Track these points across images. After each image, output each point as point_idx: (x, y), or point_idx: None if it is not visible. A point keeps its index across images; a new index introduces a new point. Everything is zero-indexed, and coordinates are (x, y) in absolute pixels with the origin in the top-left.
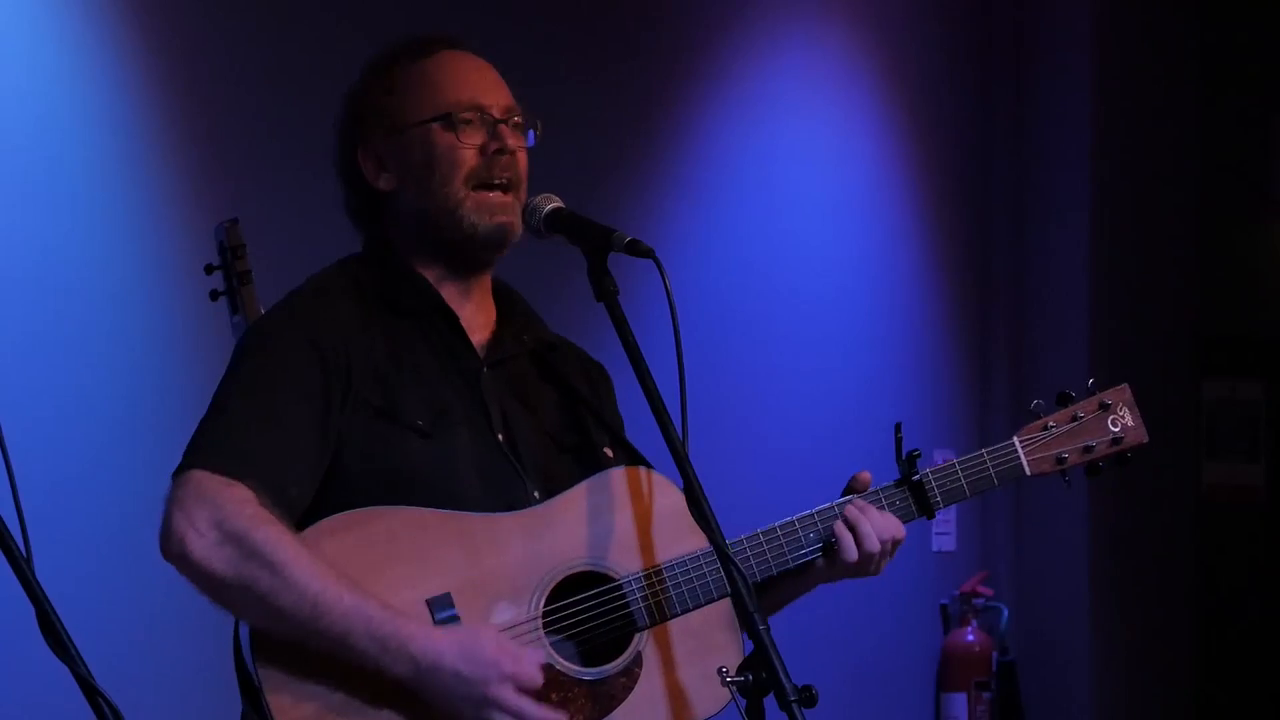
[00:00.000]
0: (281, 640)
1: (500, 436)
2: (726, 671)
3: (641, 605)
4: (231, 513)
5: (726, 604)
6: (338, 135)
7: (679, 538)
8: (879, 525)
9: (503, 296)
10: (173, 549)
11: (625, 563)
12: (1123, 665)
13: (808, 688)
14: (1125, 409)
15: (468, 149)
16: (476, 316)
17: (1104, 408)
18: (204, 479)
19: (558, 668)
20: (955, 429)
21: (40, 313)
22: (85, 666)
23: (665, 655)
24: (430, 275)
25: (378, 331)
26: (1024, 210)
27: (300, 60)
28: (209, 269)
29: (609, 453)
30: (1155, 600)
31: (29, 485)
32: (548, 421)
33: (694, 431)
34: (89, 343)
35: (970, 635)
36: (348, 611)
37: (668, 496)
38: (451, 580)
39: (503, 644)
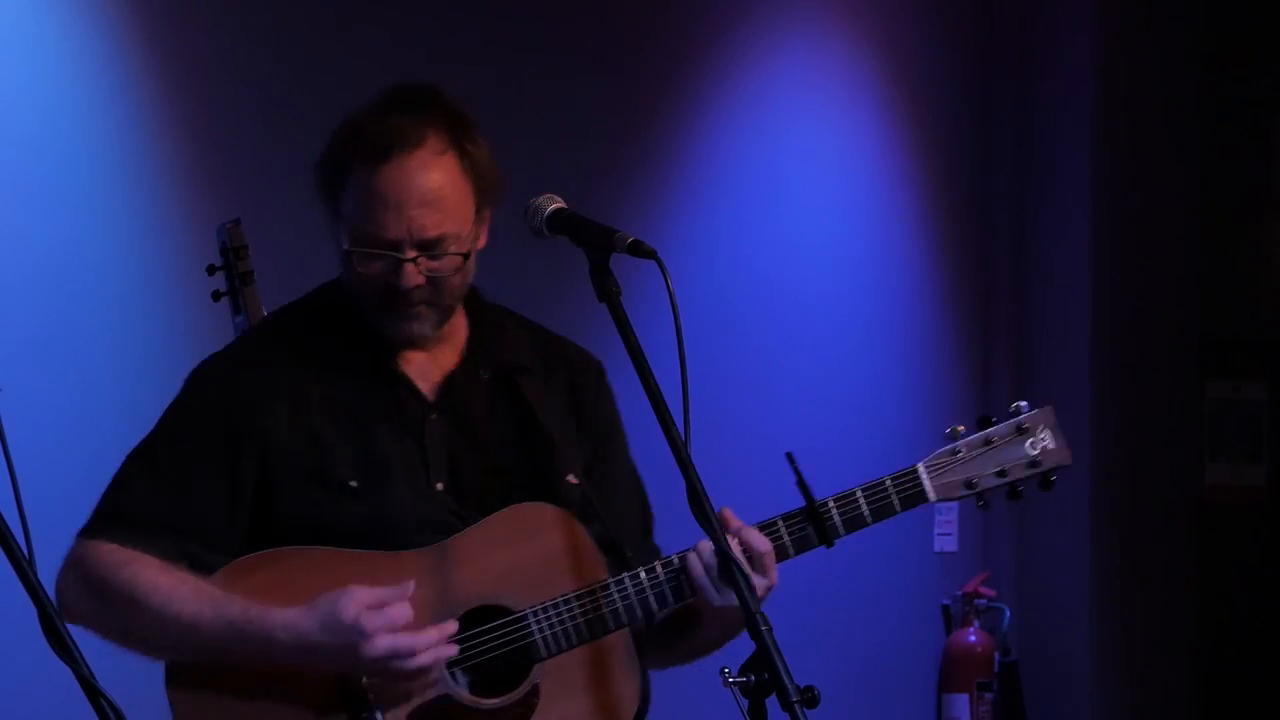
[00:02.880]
0: (189, 666)
1: (440, 485)
2: (730, 672)
3: (540, 637)
4: (94, 566)
5: (625, 635)
6: (315, 161)
7: (581, 572)
8: (707, 557)
9: (476, 319)
10: (61, 609)
11: (528, 596)
12: (1124, 666)
13: (810, 688)
14: (1047, 431)
15: (368, 277)
16: (433, 359)
17: (1021, 431)
18: (77, 544)
19: (456, 698)
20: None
21: (43, 313)
22: (87, 667)
23: (563, 686)
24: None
25: (314, 387)
26: (1026, 212)
27: (303, 60)
28: (211, 270)
29: (572, 480)
30: (1157, 601)
31: (31, 486)
32: (503, 459)
33: (696, 432)
34: (91, 344)
35: (972, 636)
36: (213, 621)
37: (569, 531)
38: None
39: (357, 598)
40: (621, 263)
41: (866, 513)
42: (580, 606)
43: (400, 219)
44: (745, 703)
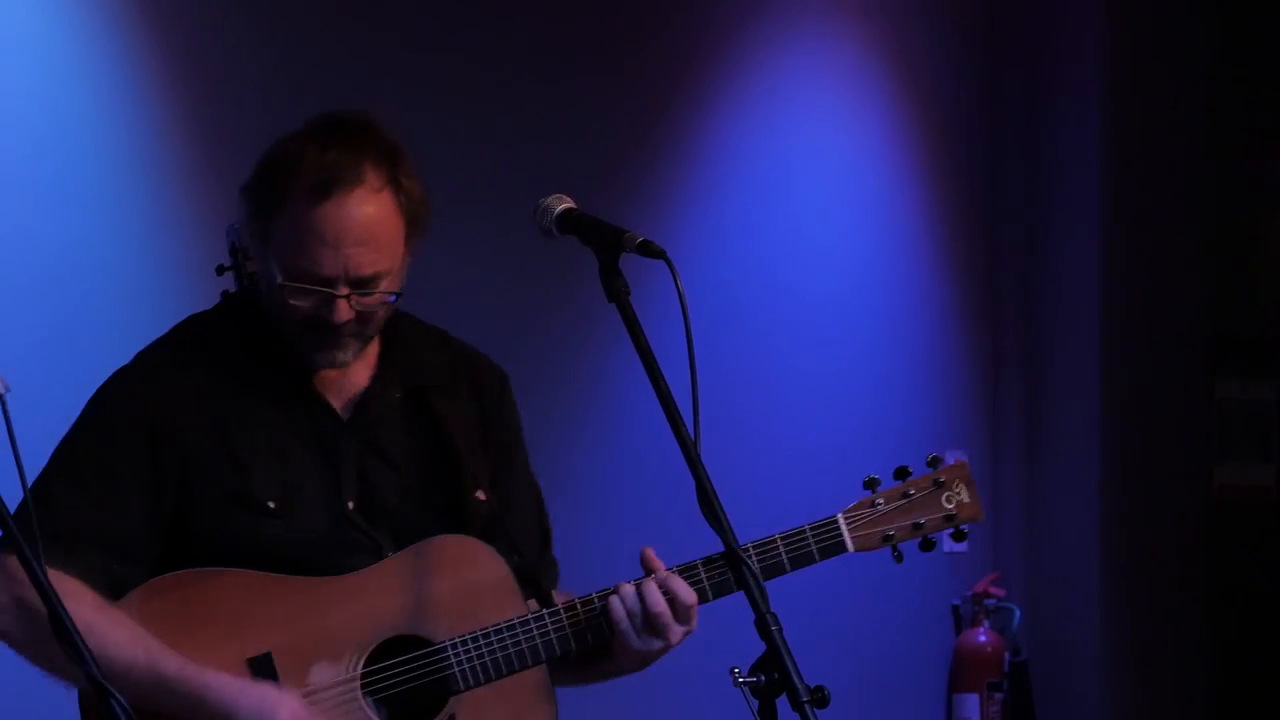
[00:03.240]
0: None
1: (351, 504)
2: (740, 672)
3: (458, 669)
4: (25, 590)
5: (541, 670)
6: (245, 184)
7: (498, 606)
8: (652, 603)
9: (388, 335)
10: None
11: (446, 627)
12: (1135, 666)
13: (820, 688)
14: (962, 485)
15: (296, 308)
16: (346, 376)
17: (938, 485)
18: (5, 559)
19: None
20: (967, 430)
21: (51, 314)
22: (97, 667)
23: (479, 718)
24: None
25: (230, 404)
26: (1035, 212)
27: (311, 60)
28: (220, 270)
29: (481, 496)
30: (1167, 601)
31: None
32: (413, 478)
33: (705, 432)
34: (99, 344)
35: (982, 636)
36: (145, 672)
37: (491, 565)
38: (272, 640)
39: (298, 714)
40: (631, 263)
41: (785, 561)
42: (500, 641)
43: (337, 257)
44: (755, 703)
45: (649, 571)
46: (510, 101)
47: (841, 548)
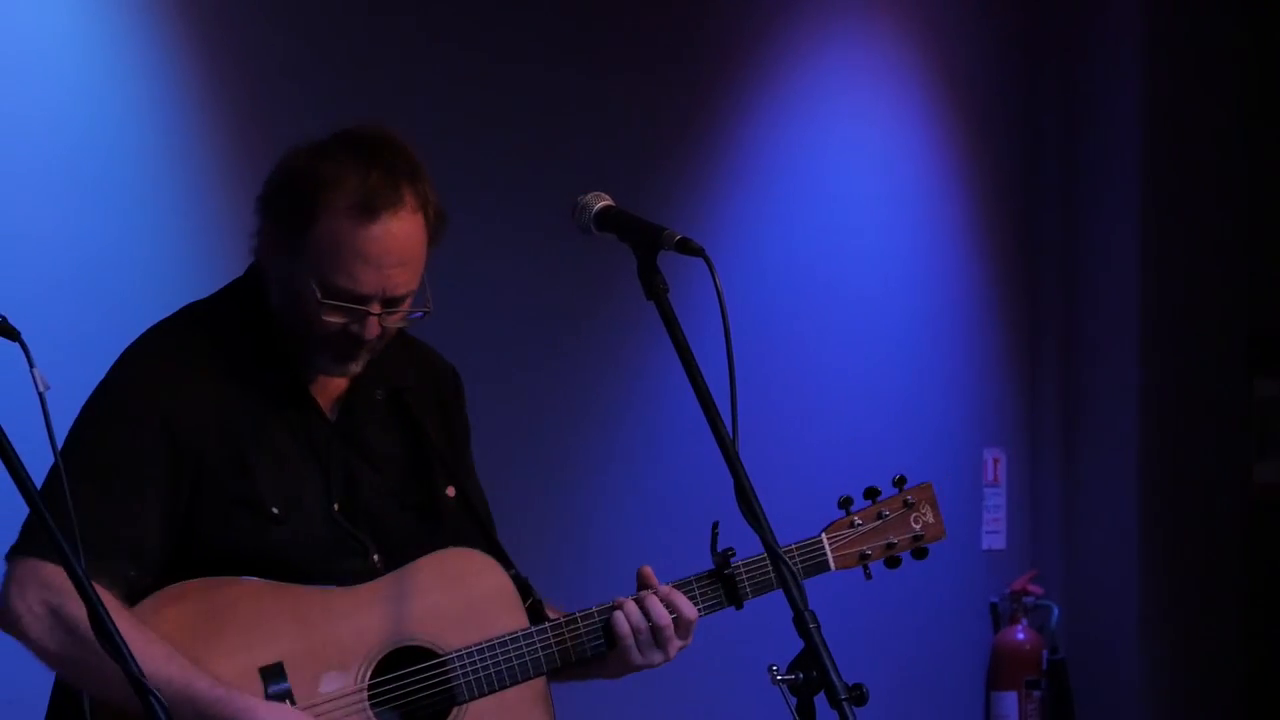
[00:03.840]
0: (118, 712)
1: (336, 506)
2: (778, 669)
3: (463, 680)
4: (67, 599)
5: (541, 682)
6: (266, 183)
7: (501, 618)
8: (657, 616)
9: None
10: (8, 626)
11: (451, 639)
12: (1173, 663)
13: (858, 686)
14: (927, 507)
15: (328, 323)
16: (332, 379)
17: (908, 505)
18: (39, 566)
19: None
20: (1005, 428)
21: (90, 312)
22: (136, 665)
23: None
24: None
25: (236, 405)
26: (1073, 209)
27: (349, 59)
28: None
29: (450, 493)
30: (1205, 598)
31: None
32: (393, 479)
33: (744, 430)
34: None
35: (1020, 634)
36: (179, 692)
37: (494, 577)
38: (283, 649)
39: None
40: (669, 260)
41: (774, 578)
42: (504, 652)
43: (379, 277)
44: (794, 700)
45: (645, 588)
46: (549, 100)
47: (825, 566)
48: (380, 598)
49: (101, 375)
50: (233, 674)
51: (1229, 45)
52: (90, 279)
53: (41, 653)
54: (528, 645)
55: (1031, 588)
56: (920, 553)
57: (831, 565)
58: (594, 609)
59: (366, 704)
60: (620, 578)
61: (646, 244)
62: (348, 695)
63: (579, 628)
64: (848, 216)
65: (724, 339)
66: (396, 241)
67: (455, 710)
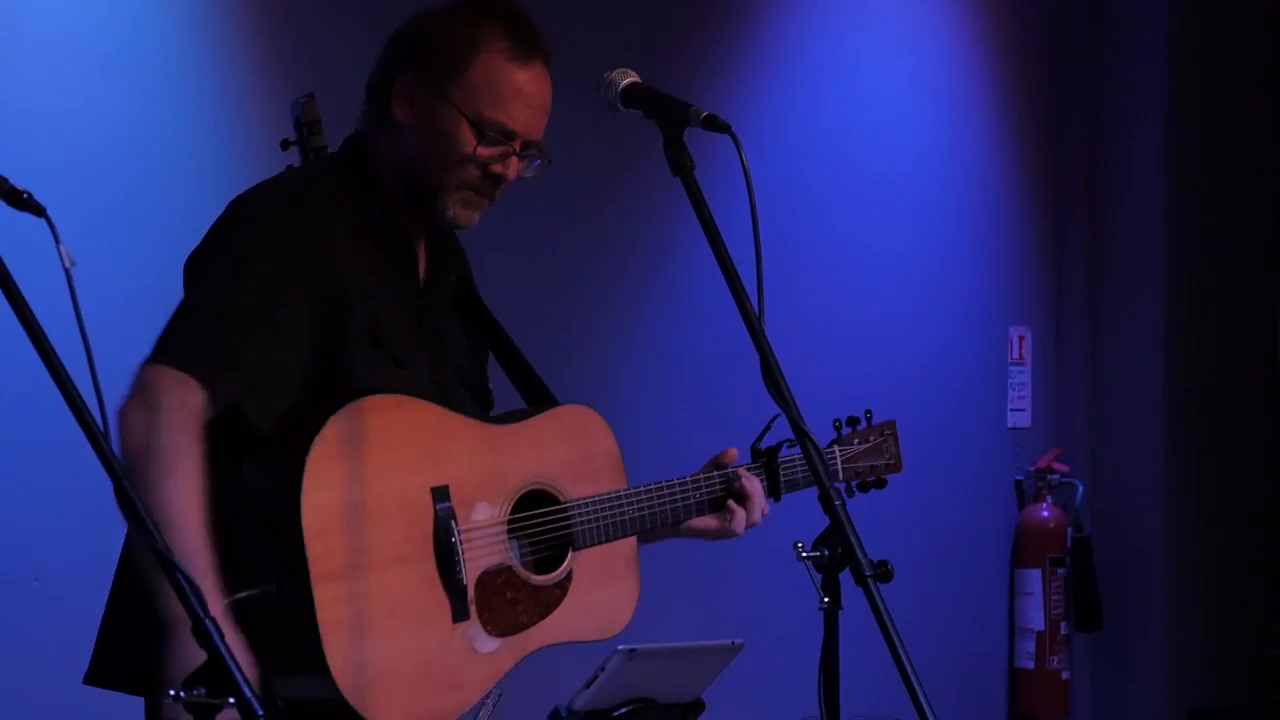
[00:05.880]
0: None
1: (436, 369)
2: (803, 547)
3: (581, 528)
4: (169, 418)
5: (631, 541)
6: (394, 42)
7: (611, 476)
8: (761, 499)
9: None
10: (119, 419)
11: (571, 489)
12: (1197, 541)
13: (883, 563)
14: (894, 441)
15: (478, 160)
16: (421, 248)
17: (883, 435)
18: (197, 395)
19: (514, 570)
20: (1031, 306)
21: (116, 187)
22: (163, 541)
23: (590, 577)
24: (395, 202)
25: (366, 256)
26: (1100, 83)
27: None
28: (285, 144)
29: (488, 384)
30: (1232, 476)
31: (106, 361)
32: (458, 357)
33: (770, 307)
34: (164, 217)
35: (1045, 511)
36: (191, 554)
37: (609, 439)
38: (451, 474)
39: None
40: (695, 137)
41: (800, 479)
42: (618, 506)
43: (529, 115)
44: (819, 577)
45: (716, 467)
46: None
47: (835, 475)
48: (523, 440)
49: (126, 249)
50: (410, 489)
51: (1261, 39)
52: (116, 153)
53: (123, 452)
54: (641, 502)
55: (1056, 465)
56: (881, 483)
57: (840, 475)
58: (701, 474)
59: (505, 535)
60: (644, 452)
61: (673, 120)
62: (495, 525)
63: (689, 490)
64: (874, 95)
65: (750, 216)
66: (545, 87)
67: (571, 555)
